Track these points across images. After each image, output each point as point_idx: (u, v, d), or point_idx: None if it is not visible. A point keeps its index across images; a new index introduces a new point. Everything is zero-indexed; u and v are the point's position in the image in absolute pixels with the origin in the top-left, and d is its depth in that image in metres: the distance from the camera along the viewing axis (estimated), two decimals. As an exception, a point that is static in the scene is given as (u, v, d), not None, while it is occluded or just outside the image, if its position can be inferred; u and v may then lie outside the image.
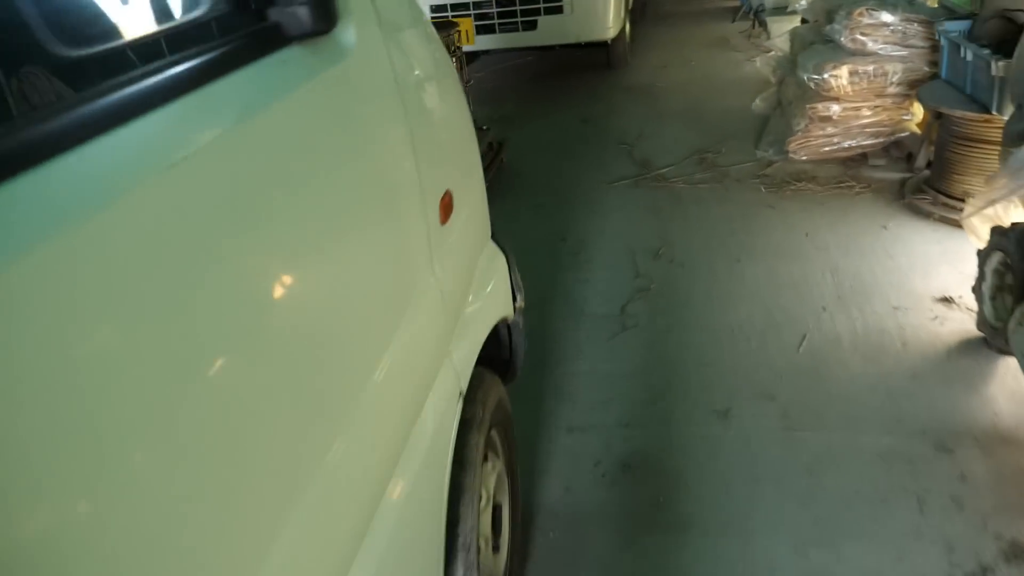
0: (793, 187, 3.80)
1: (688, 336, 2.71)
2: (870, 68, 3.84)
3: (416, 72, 1.20)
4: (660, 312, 2.88)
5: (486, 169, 4.37)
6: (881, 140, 3.98)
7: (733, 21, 7.99)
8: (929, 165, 3.66)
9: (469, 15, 5.64)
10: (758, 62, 5.04)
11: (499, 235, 1.71)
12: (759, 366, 2.50)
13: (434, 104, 1.26)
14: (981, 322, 2.47)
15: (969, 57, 3.17)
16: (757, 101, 4.99)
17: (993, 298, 2.39)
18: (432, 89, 1.27)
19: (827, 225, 3.39)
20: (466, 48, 5.79)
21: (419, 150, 1.09)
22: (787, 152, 4.12)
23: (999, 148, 2.87)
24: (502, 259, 1.57)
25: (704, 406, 2.34)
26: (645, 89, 5.87)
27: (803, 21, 5.60)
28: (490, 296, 1.47)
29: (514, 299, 1.60)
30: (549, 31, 5.62)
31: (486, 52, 6.32)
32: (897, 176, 3.80)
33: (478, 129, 4.30)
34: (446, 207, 1.19)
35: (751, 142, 4.45)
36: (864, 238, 3.24)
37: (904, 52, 3.83)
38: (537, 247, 3.52)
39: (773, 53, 6.05)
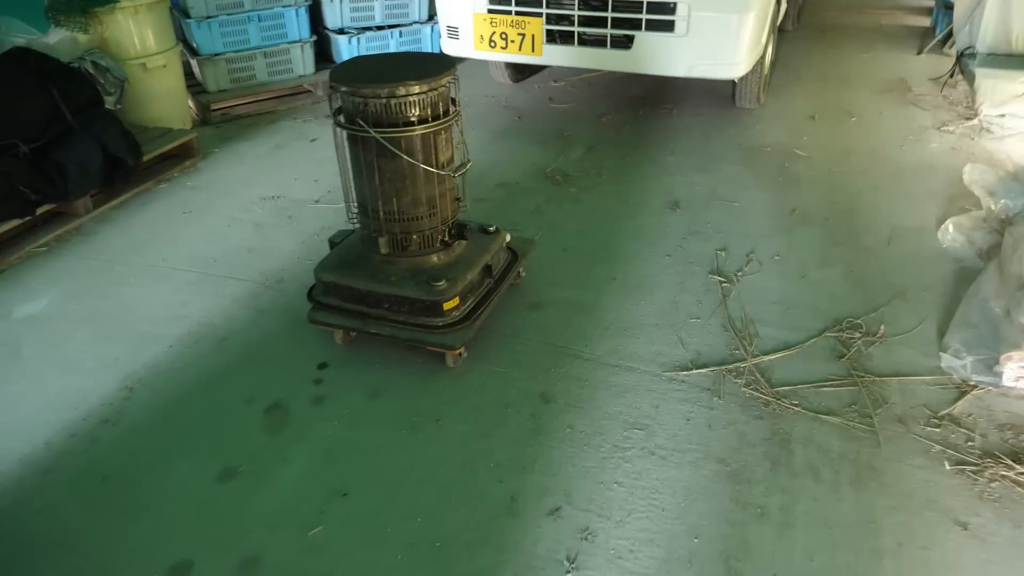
0: (1007, 473, 2.02)
1: None
2: None
3: None
4: None
5: (481, 302, 2.35)
6: None
7: (920, 52, 5.87)
8: None
9: (540, 14, 3.92)
10: (964, 167, 3.13)
11: None
12: None
13: None
14: None
15: None
16: (950, 227, 3.12)
17: None
18: None
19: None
20: (529, 60, 4.11)
21: None
22: (999, 374, 2.32)
23: None
24: None
25: None
26: (776, 159, 4.02)
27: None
28: None
29: None
30: (648, 55, 3.83)
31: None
32: None
33: (481, 231, 2.68)
34: None
35: (932, 319, 2.65)
36: None
37: None
38: (498, 519, 1.92)
39: (981, 135, 4.07)
